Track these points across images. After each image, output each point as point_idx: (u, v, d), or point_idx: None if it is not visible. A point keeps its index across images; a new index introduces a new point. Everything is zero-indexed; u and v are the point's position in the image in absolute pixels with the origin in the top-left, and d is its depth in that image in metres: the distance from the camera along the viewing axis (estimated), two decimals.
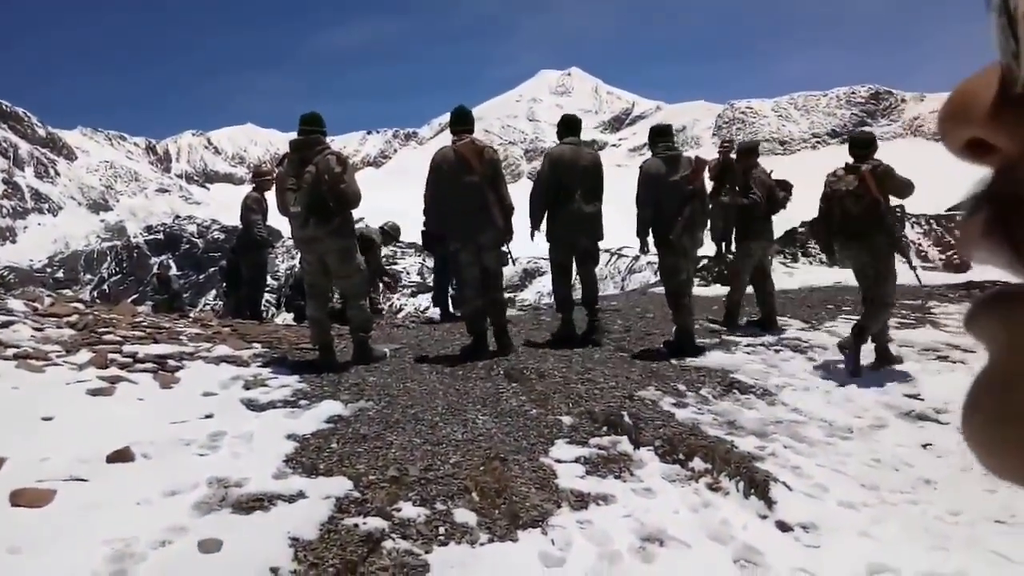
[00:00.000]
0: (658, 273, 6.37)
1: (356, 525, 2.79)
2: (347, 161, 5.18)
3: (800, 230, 13.72)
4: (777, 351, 5.87)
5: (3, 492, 2.86)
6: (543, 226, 5.99)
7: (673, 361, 5.50)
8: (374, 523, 2.81)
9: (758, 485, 3.38)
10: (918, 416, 4.49)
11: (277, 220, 6.32)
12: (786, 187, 6.72)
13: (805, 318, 7.23)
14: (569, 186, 5.81)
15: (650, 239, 5.81)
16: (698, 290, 9.20)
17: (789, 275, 11.91)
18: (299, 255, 5.75)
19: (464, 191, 5.44)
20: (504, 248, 5.68)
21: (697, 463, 3.60)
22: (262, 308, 9.11)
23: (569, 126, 6.09)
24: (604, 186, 6.02)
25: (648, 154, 6.04)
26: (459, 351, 5.76)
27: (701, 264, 13.35)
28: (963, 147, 0.32)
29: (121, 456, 3.31)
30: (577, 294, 6.30)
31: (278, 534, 2.68)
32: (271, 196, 6.40)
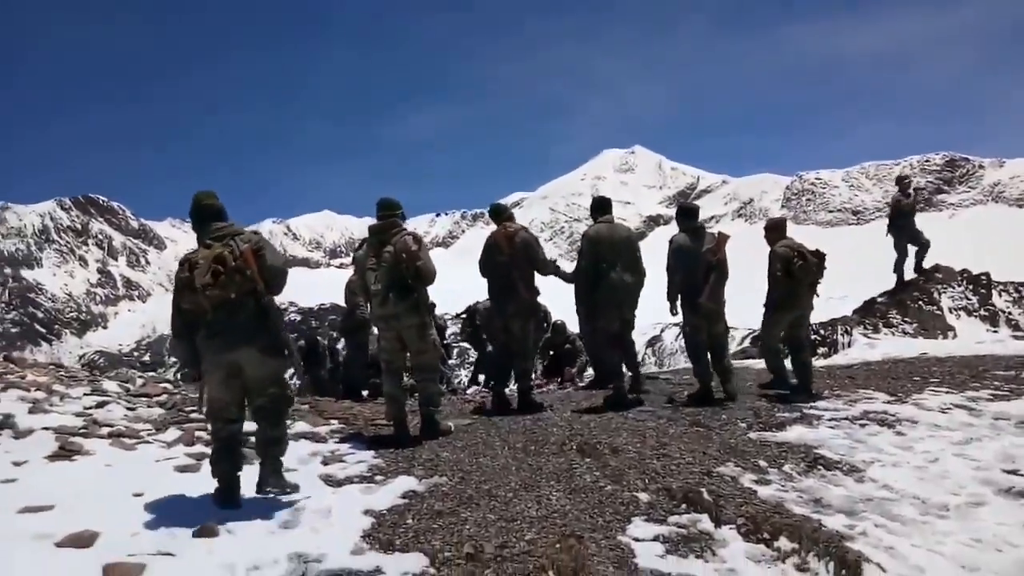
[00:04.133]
0: (684, 336, 7.11)
1: None
2: (422, 240, 5.42)
3: (880, 299, 13.25)
4: (863, 425, 5.61)
5: (97, 566, 2.98)
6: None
7: (752, 436, 5.33)
8: None
9: (850, 566, 3.20)
10: (1019, 493, 4.18)
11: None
12: (819, 256, 6.88)
13: (890, 390, 6.91)
14: (609, 260, 6.48)
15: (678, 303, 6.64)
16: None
17: (871, 346, 11.43)
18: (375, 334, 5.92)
19: (495, 270, 6.46)
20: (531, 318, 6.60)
21: (783, 542, 3.44)
22: (366, 385, 9.25)
23: (601, 207, 6.86)
24: (642, 258, 6.74)
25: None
26: (527, 424, 5.76)
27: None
28: None
29: (206, 532, 3.41)
30: None
31: None
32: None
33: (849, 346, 11.82)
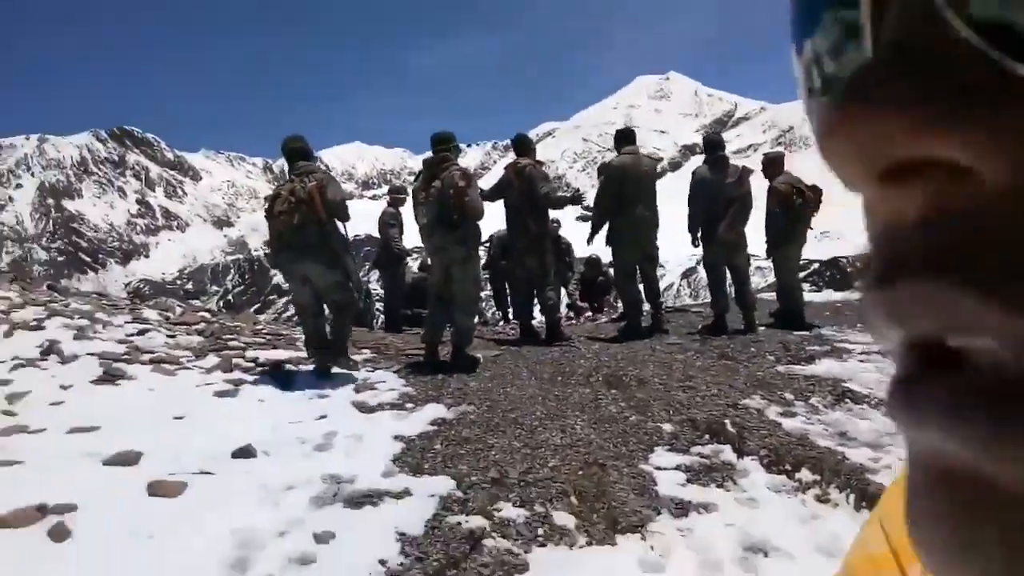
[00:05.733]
0: (703, 265, 7.09)
1: (459, 523, 2.88)
2: (471, 176, 5.45)
3: None
4: None
5: (141, 483, 3.14)
6: (604, 232, 6.76)
7: (780, 369, 5.33)
8: (476, 522, 2.89)
9: (871, 499, 3.22)
10: None
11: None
12: (816, 192, 6.84)
13: None
14: (632, 195, 6.46)
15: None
16: (810, 295, 8.88)
17: None
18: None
19: (509, 205, 6.54)
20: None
21: (805, 474, 3.47)
22: (401, 318, 9.36)
23: (626, 138, 6.81)
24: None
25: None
26: (554, 356, 5.84)
27: (811, 270, 12.80)
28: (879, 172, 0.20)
29: (244, 453, 3.56)
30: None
31: (386, 529, 2.81)
32: (405, 211, 7.77)
33: None
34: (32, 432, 3.77)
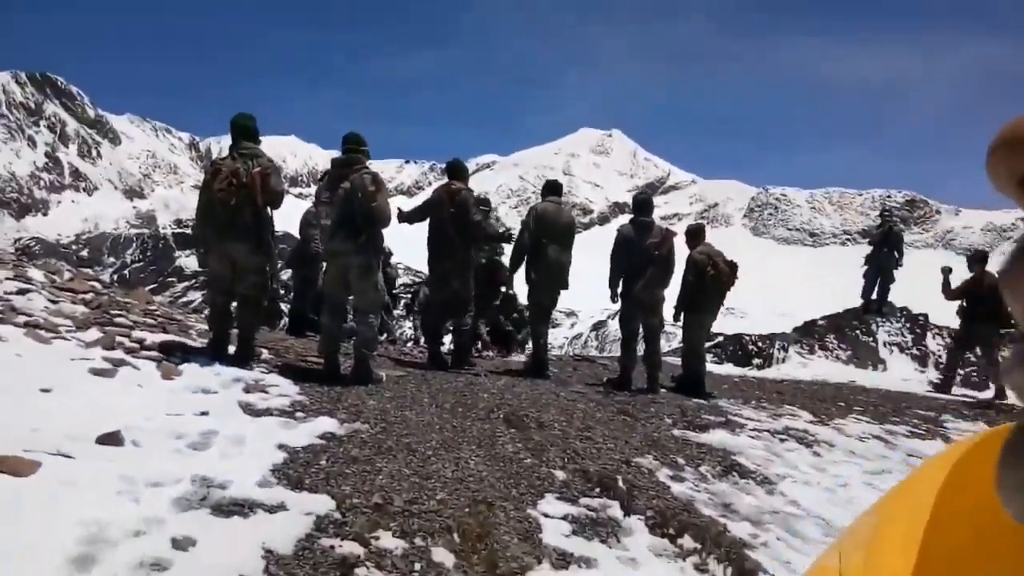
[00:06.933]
0: (619, 321, 7.36)
1: (332, 547, 2.73)
2: (381, 182, 5.32)
3: (820, 322, 13.59)
4: (782, 440, 5.75)
5: None
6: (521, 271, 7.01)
7: (676, 433, 5.41)
8: (351, 548, 2.74)
9: (746, 574, 3.27)
10: None
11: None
12: (731, 266, 7.14)
13: (814, 411, 7.11)
14: (550, 238, 6.77)
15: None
16: (712, 366, 9.13)
17: (804, 365, 11.75)
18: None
19: (437, 225, 6.52)
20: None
21: (687, 540, 3.50)
22: (308, 322, 8.92)
23: (552, 189, 7.21)
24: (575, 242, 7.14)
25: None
26: (458, 386, 5.74)
27: (716, 342, 13.24)
28: (1020, 182, 0.26)
29: (111, 439, 3.29)
30: None
31: (253, 543, 2.63)
32: None
33: (783, 362, 12.13)
34: None
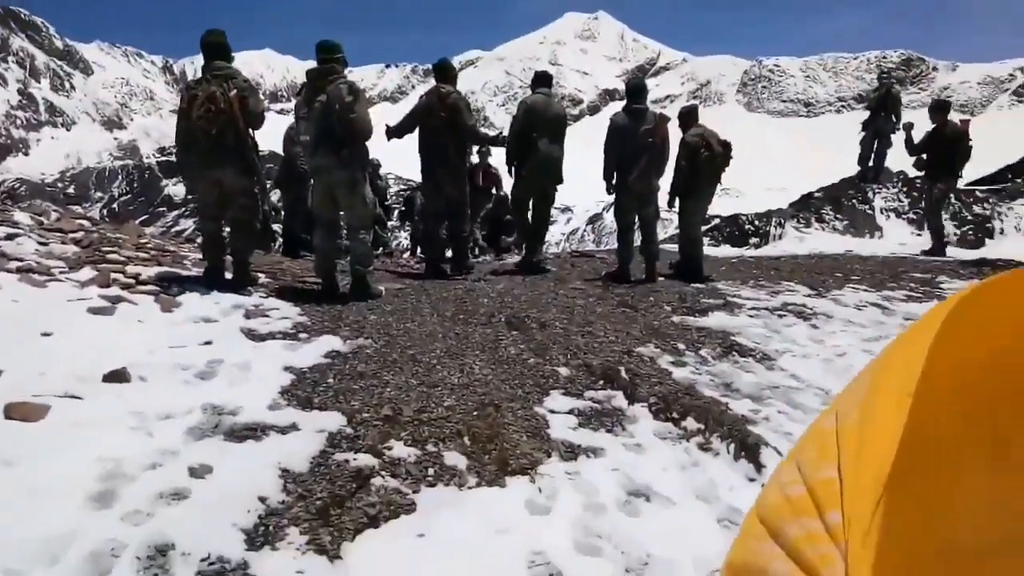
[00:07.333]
0: (613, 213, 7.31)
1: (347, 460, 2.81)
2: (359, 91, 5.13)
3: (816, 195, 13.50)
4: (781, 316, 5.82)
5: None
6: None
7: (675, 319, 5.48)
8: (364, 460, 2.83)
9: (749, 448, 3.38)
10: None
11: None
12: (725, 147, 7.03)
13: (812, 285, 7.16)
14: (540, 131, 6.69)
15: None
16: (709, 249, 9.16)
17: (801, 240, 11.75)
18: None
19: (428, 132, 6.40)
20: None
21: (690, 422, 3.60)
22: (301, 241, 8.87)
23: (542, 80, 7.11)
24: (567, 134, 7.08)
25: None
26: (458, 294, 5.78)
27: (712, 224, 13.22)
28: None
29: (117, 377, 3.33)
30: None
31: (269, 464, 2.71)
32: None
33: (780, 238, 12.14)
34: None
